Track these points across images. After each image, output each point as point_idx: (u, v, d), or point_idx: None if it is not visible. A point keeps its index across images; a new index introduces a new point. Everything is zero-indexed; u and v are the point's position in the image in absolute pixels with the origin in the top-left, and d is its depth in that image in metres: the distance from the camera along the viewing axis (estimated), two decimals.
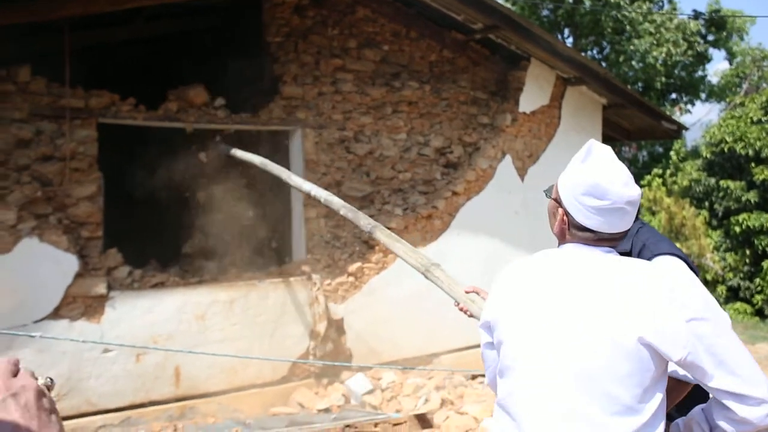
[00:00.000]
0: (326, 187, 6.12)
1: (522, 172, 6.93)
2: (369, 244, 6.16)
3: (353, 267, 6.01)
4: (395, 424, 3.84)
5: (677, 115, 19.11)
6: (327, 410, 4.77)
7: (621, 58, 16.79)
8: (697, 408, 1.54)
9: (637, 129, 8.07)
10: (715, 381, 1.39)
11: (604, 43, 18.52)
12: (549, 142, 7.14)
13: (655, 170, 15.25)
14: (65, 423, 4.60)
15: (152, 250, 5.82)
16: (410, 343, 6.15)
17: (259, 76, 6.11)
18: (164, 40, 6.34)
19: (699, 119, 23.95)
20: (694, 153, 15.70)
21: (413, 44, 6.62)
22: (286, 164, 6.24)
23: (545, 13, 17.84)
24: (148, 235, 6.21)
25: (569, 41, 19.65)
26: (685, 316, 1.38)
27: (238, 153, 5.38)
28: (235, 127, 5.77)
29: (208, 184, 6.86)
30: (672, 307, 1.39)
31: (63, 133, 4.86)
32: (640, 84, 17.45)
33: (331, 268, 5.99)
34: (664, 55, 16.37)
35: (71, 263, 4.68)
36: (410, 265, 3.02)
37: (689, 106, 19.30)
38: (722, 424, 1.43)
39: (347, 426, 3.93)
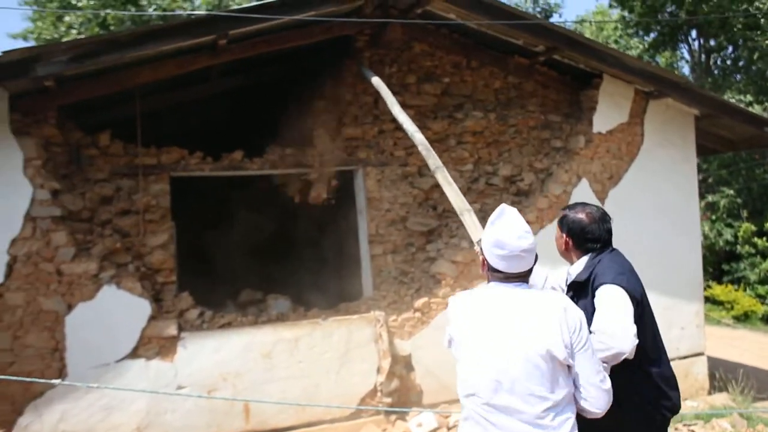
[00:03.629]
0: (390, 223, 6.23)
1: (602, 195, 6.51)
2: (436, 278, 6.10)
3: (420, 302, 5.97)
4: None
5: None
6: None
7: (755, 56, 15.24)
8: None
9: (741, 138, 7.27)
10: (579, 377, 2.18)
11: (739, 41, 16.93)
12: (632, 161, 6.65)
13: None
14: None
15: (224, 292, 6.20)
16: None
17: None
18: (231, 94, 6.81)
19: None
20: None
21: (475, 74, 6.54)
22: (351, 201, 6.41)
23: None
24: (219, 278, 6.62)
25: (696, 44, 18.21)
26: (570, 334, 2.14)
27: (374, 80, 5.63)
28: (298, 170, 6.04)
29: (280, 228, 7.22)
30: (562, 327, 2.13)
31: (139, 189, 5.39)
32: None
33: (397, 304, 6.00)
34: None
35: (145, 307, 5.13)
36: (452, 204, 4.32)
37: None
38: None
39: None
